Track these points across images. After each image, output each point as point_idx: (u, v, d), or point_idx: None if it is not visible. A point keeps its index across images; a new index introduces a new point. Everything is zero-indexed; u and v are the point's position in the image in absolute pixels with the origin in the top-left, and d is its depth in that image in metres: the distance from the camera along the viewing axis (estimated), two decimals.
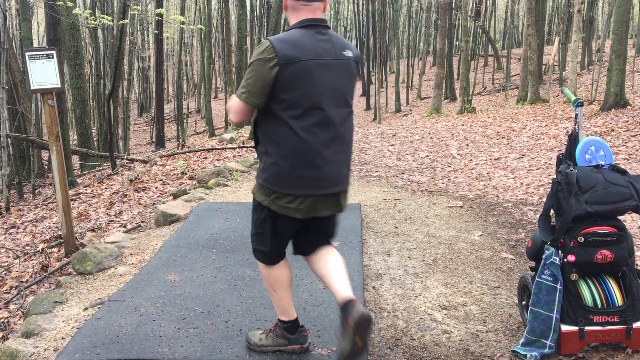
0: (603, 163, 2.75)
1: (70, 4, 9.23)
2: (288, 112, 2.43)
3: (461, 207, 5.62)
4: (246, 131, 14.45)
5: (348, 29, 51.74)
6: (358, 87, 35.63)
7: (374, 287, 3.59)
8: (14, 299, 4.56)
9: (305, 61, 2.39)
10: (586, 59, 24.32)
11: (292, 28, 2.50)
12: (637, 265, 3.01)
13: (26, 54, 4.71)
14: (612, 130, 8.84)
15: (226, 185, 6.97)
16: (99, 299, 3.61)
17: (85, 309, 3.48)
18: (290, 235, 2.71)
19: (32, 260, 5.52)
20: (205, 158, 10.42)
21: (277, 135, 2.47)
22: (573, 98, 2.97)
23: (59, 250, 5.49)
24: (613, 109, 10.89)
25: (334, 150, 2.52)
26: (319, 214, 2.62)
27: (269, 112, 2.47)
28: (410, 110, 24.58)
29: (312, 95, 2.42)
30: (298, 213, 2.54)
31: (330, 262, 2.70)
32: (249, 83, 2.41)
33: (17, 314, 4.25)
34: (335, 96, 2.49)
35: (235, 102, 2.49)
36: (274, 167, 2.50)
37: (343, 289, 2.49)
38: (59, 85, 4.75)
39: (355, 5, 37.03)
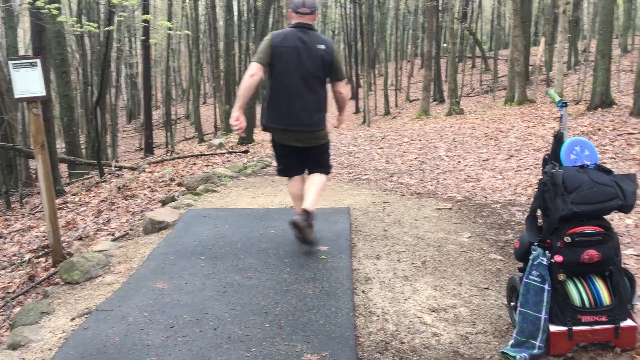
0: (588, 163, 2.76)
1: (55, 11, 9.15)
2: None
3: (450, 209, 5.63)
4: (235, 137, 14.42)
5: (336, 32, 51.83)
6: (348, 88, 35.64)
7: (363, 291, 3.58)
8: (1, 310, 4.51)
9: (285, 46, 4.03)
10: (572, 59, 24.52)
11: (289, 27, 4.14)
12: (623, 264, 3.02)
13: (9, 62, 4.67)
14: (599, 130, 8.90)
15: (215, 191, 6.95)
16: (87, 308, 3.58)
17: (73, 319, 3.45)
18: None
19: (19, 270, 5.47)
20: (194, 164, 10.39)
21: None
22: (558, 99, 2.98)
23: (46, 260, 5.45)
24: (599, 109, 10.96)
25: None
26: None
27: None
28: (399, 112, 24.65)
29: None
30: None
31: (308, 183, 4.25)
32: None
33: (4, 326, 4.21)
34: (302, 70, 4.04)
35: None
36: None
37: (305, 202, 4.06)
38: (44, 94, 4.71)
39: (343, 9, 37.13)
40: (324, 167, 4.37)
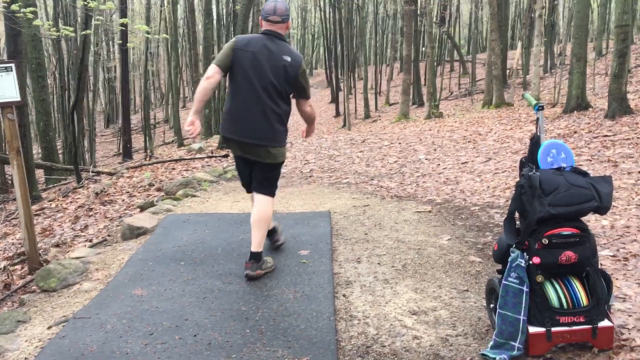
0: (565, 165, 2.80)
1: (30, 15, 9.02)
2: None
3: (429, 211, 5.66)
4: (215, 141, 14.35)
5: (316, 36, 51.90)
6: (326, 93, 35.68)
7: (344, 295, 3.58)
8: None
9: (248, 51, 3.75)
10: (549, 63, 24.87)
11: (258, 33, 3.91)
12: (600, 265, 3.06)
13: None
14: (575, 132, 9.03)
15: (194, 196, 6.90)
16: (64, 316, 3.52)
17: (50, 327, 3.39)
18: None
19: None
20: (174, 169, 10.31)
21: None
22: (534, 102, 3.02)
23: (22, 268, 5.35)
24: (575, 111, 11.13)
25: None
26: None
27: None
28: (379, 116, 24.75)
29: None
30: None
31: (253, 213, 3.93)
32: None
33: None
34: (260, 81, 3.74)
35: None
36: None
37: (252, 244, 3.84)
38: (19, 99, 4.64)
39: (322, 13, 37.21)
40: (270, 188, 4.00)
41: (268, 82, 3.72)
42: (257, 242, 3.82)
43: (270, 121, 3.78)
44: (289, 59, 3.75)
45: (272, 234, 4.39)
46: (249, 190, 4.15)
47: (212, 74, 3.74)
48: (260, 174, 3.95)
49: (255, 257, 3.82)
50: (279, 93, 3.78)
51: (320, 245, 4.51)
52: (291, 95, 3.91)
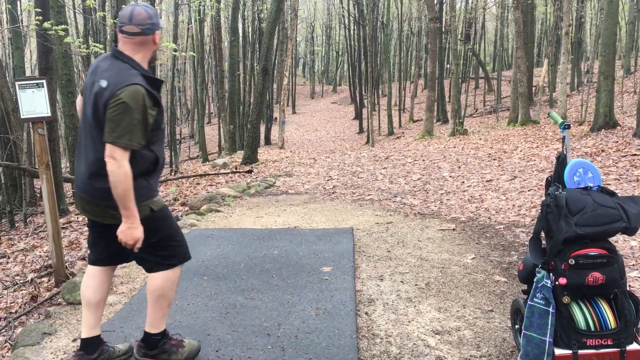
0: (592, 185, 2.76)
1: (62, 33, 9.25)
2: None
3: (454, 229, 5.61)
4: (239, 156, 14.47)
5: (340, 53, 52.21)
6: (350, 110, 35.70)
7: (366, 313, 3.56)
8: (3, 330, 4.49)
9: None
10: (576, 80, 24.61)
11: None
12: (628, 287, 3.00)
13: (16, 83, 4.71)
14: (603, 151, 8.90)
15: (218, 211, 6.95)
16: None
17: (75, 340, 3.43)
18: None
19: (21, 290, 5.45)
20: (198, 184, 10.41)
21: None
22: (560, 121, 2.99)
23: (49, 280, 5.43)
24: (603, 130, 10.98)
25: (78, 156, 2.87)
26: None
27: None
28: (403, 132, 24.70)
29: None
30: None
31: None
32: None
33: (6, 346, 4.18)
34: (85, 114, 2.76)
35: None
36: None
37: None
38: (49, 115, 4.74)
39: (347, 31, 37.45)
40: (152, 261, 2.85)
41: (88, 117, 2.72)
42: (147, 321, 2.90)
43: (91, 171, 2.70)
44: (104, 83, 2.62)
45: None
46: (99, 263, 2.96)
47: (78, 99, 2.96)
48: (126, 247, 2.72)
49: (148, 337, 2.90)
50: (101, 132, 2.62)
51: (343, 262, 4.50)
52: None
